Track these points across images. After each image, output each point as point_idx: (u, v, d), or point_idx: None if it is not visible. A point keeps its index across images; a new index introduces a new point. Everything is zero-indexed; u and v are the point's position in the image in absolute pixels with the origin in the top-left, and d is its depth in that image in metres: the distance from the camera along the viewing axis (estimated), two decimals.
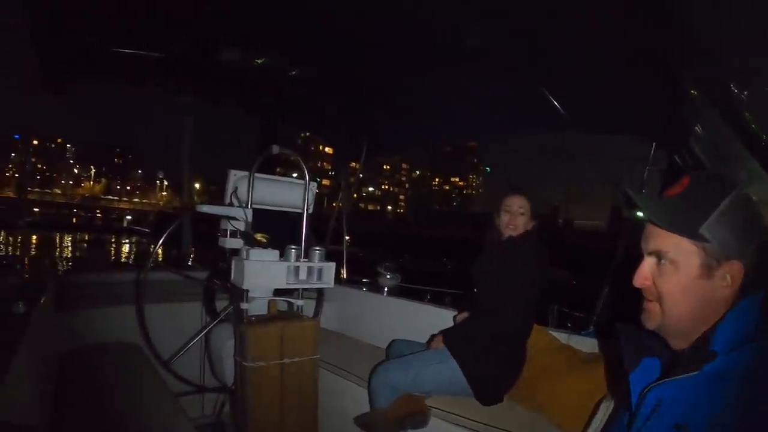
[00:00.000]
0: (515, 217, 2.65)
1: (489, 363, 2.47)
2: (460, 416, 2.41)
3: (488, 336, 2.49)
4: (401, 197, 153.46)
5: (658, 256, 1.07)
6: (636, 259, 1.13)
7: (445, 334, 2.64)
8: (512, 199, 2.69)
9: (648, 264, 1.09)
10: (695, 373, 0.96)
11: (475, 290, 2.78)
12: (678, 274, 1.04)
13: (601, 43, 2.28)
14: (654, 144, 2.70)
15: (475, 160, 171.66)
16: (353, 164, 4.71)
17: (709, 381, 0.94)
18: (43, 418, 1.98)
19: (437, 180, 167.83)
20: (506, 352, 2.51)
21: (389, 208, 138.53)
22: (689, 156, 2.21)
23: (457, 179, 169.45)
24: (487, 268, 2.68)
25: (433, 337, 2.71)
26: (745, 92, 1.65)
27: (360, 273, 4.62)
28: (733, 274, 1.01)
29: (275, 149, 2.71)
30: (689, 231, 1.01)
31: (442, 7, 2.35)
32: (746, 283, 1.01)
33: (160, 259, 2.88)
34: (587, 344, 2.66)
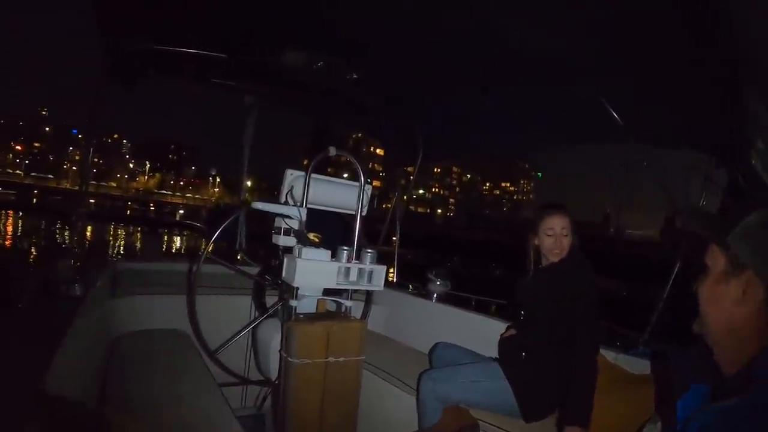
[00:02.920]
0: (560, 239, 2.51)
1: (539, 383, 2.40)
2: (506, 430, 2.39)
3: (549, 361, 2.41)
4: (451, 200, 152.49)
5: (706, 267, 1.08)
6: (691, 273, 1.12)
7: (501, 356, 2.62)
8: (554, 220, 2.54)
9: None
10: (735, 400, 0.93)
11: (523, 313, 2.67)
12: (707, 279, 1.07)
13: (663, 55, 2.23)
14: (714, 160, 2.62)
15: (527, 166, 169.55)
16: (407, 168, 4.72)
17: (750, 410, 0.90)
18: (90, 395, 2.05)
19: (488, 184, 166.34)
20: (560, 374, 2.36)
21: (439, 211, 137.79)
22: (749, 173, 2.15)
23: (508, 184, 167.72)
24: (539, 294, 2.57)
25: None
26: None
27: (408, 275, 4.62)
28: (748, 287, 0.99)
29: (332, 151, 2.74)
30: (718, 237, 1.04)
31: (504, 16, 2.34)
32: None
33: (212, 250, 2.94)
34: (635, 364, 2.57)
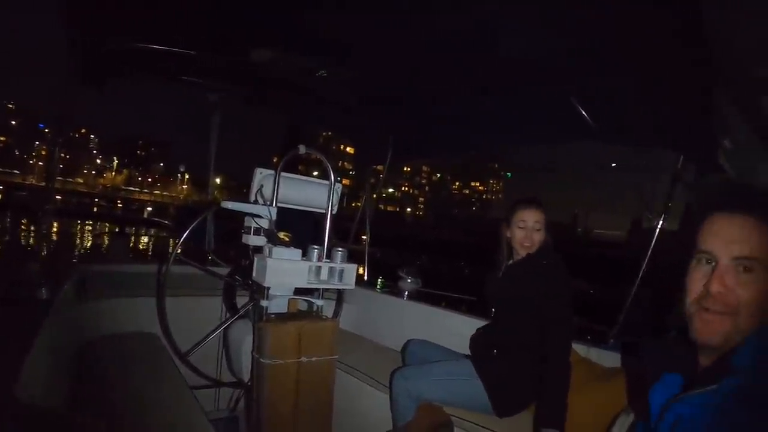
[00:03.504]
0: (531, 233, 2.52)
1: (512, 381, 2.42)
2: (480, 426, 2.40)
3: (521, 357, 2.43)
4: (421, 199, 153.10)
5: (745, 262, 1.02)
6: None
7: (473, 353, 2.64)
8: (527, 213, 2.54)
9: (729, 270, 1.03)
10: (713, 388, 0.95)
11: (494, 310, 2.68)
12: (760, 284, 1.01)
13: (631, 54, 2.26)
14: (682, 157, 2.66)
15: (496, 165, 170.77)
16: (377, 167, 4.72)
17: (730, 397, 0.92)
18: (61, 403, 2.02)
19: (457, 184, 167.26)
20: (533, 370, 2.37)
21: (408, 210, 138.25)
22: (717, 170, 2.19)
23: (477, 184, 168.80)
24: (509, 290, 2.58)
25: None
26: None
27: (377, 273, 4.63)
28: None
29: (302, 149, 2.72)
30: None
31: (474, 15, 2.34)
32: None
33: (181, 252, 2.90)
34: (607, 358, 2.62)
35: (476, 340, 2.73)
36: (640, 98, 2.54)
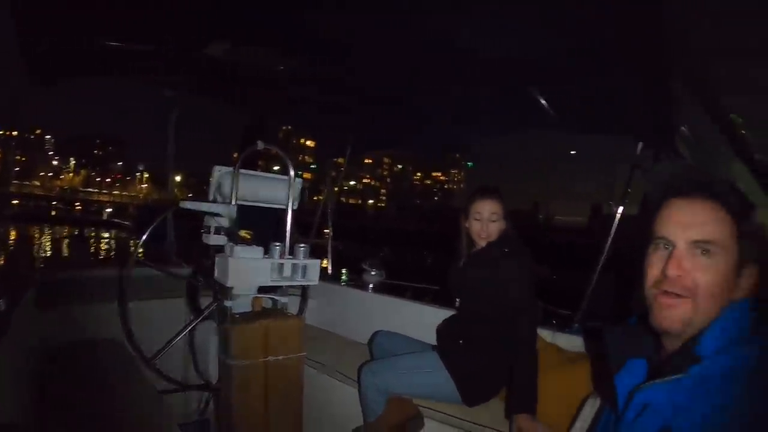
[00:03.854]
0: (486, 225, 2.51)
1: (479, 369, 2.44)
2: (449, 415, 2.42)
3: (487, 346, 2.45)
4: (382, 191, 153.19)
5: (703, 245, 1.02)
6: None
7: (439, 345, 2.64)
8: (482, 205, 2.53)
9: (686, 254, 1.04)
10: (681, 375, 0.96)
11: (458, 300, 2.70)
12: (719, 267, 1.01)
13: (588, 42, 2.27)
14: (640, 144, 2.70)
15: (457, 155, 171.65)
16: (338, 160, 4.70)
17: (696, 384, 0.93)
18: (24, 415, 1.96)
19: (419, 174, 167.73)
20: (499, 357, 2.42)
21: (370, 202, 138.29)
22: (675, 155, 2.23)
23: (439, 174, 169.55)
24: (470, 280, 2.59)
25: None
26: (731, 94, 1.67)
27: (340, 267, 4.61)
28: (751, 277, 1.01)
29: (260, 145, 2.68)
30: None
31: (430, 9, 2.33)
32: None
33: (142, 254, 2.85)
34: (572, 342, 2.66)
35: (441, 332, 2.74)
36: (599, 87, 2.56)
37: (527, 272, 2.43)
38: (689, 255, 1.02)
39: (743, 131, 1.70)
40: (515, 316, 2.33)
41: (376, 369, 2.51)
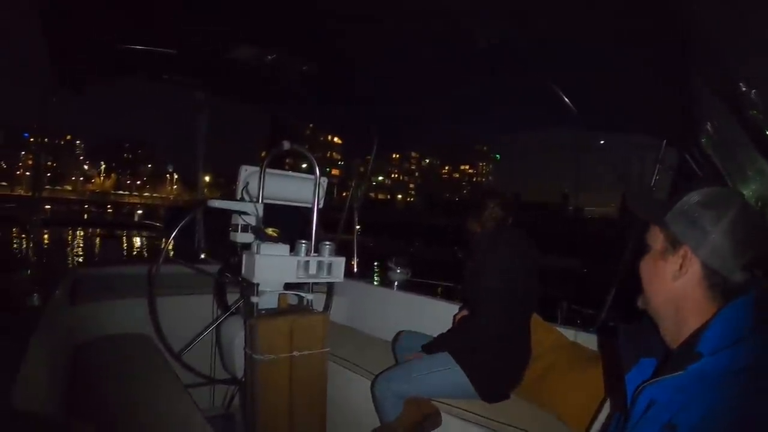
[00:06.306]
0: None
1: (490, 362, 2.46)
2: (468, 411, 2.43)
3: (485, 336, 2.47)
4: (411, 186, 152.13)
5: (647, 246, 1.15)
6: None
7: (446, 338, 2.65)
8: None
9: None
10: (681, 373, 0.97)
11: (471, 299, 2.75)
12: (647, 256, 1.15)
13: (612, 40, 2.27)
14: (664, 142, 2.68)
15: (485, 148, 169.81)
16: (365, 156, 4.72)
17: (696, 382, 0.94)
18: (56, 407, 2.02)
19: (447, 168, 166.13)
20: (507, 350, 2.48)
21: (399, 197, 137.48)
22: (699, 155, 2.21)
23: (467, 167, 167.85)
24: (468, 266, 2.66)
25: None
26: (754, 91, 1.66)
27: (370, 263, 4.62)
28: (684, 262, 1.05)
29: (286, 145, 2.72)
30: (656, 217, 1.11)
31: (454, 7, 2.35)
32: (733, 285, 1.03)
33: (172, 252, 2.92)
34: (595, 341, 2.67)
35: (449, 332, 2.77)
36: (623, 85, 2.55)
37: (494, 256, 2.50)
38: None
39: (765, 129, 1.69)
40: (480, 295, 2.46)
41: (391, 377, 2.56)
